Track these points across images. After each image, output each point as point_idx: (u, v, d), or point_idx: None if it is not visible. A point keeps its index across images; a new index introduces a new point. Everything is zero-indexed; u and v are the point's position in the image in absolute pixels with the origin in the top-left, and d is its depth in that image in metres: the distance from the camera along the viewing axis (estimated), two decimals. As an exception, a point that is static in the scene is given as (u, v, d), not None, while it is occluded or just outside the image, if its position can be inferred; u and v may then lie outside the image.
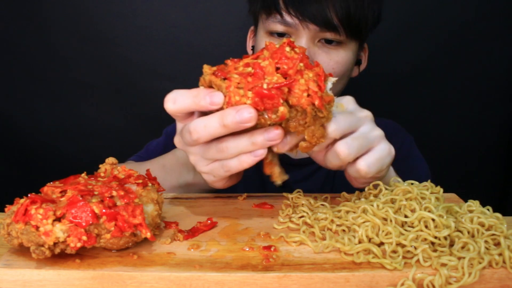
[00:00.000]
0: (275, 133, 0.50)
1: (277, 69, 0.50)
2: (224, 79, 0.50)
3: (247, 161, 0.52)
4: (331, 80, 0.53)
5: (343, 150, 0.54)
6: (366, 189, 0.63)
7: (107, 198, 0.49)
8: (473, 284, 0.46)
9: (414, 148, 1.06)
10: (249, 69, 0.50)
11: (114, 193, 0.50)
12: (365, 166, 0.56)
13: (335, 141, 0.55)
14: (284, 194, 0.67)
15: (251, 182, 0.99)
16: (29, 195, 0.50)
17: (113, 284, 0.46)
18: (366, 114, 0.58)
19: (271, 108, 0.48)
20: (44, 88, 1.39)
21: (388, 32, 1.26)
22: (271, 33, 0.87)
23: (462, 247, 0.50)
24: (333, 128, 0.53)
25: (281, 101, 0.48)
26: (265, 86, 0.48)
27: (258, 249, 0.51)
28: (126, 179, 0.54)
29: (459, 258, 0.48)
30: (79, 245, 0.46)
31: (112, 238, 0.48)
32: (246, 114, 0.48)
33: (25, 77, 1.38)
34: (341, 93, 0.93)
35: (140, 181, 0.54)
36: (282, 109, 0.48)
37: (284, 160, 1.00)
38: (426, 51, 1.38)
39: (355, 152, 0.55)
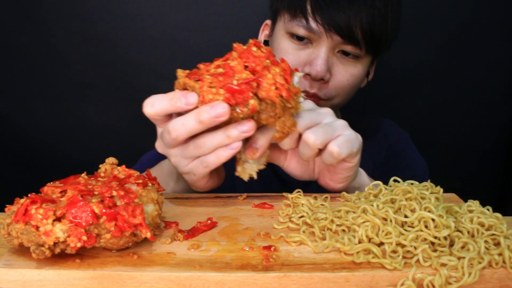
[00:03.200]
0: (248, 125, 0.54)
1: (246, 67, 0.54)
2: (197, 80, 0.54)
3: (224, 155, 0.56)
4: (298, 74, 0.58)
5: (310, 136, 0.59)
6: (366, 189, 0.63)
7: (107, 198, 0.49)
8: (473, 284, 0.46)
9: (410, 144, 1.07)
10: (220, 69, 0.54)
11: (114, 193, 0.50)
12: (335, 146, 0.60)
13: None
14: (284, 194, 0.67)
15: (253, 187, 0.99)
16: (29, 195, 0.50)
17: (113, 284, 0.46)
18: (327, 110, 0.64)
19: (242, 102, 0.52)
20: (44, 88, 1.38)
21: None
22: (292, 35, 0.87)
23: (462, 247, 0.50)
24: (298, 123, 0.58)
25: (251, 94, 0.52)
26: (235, 82, 0.52)
27: (258, 249, 0.51)
28: (126, 179, 0.54)
29: (459, 258, 0.48)
30: (79, 245, 0.46)
31: (112, 238, 0.48)
32: (220, 109, 0.52)
33: (25, 77, 1.37)
34: (350, 101, 0.95)
35: (140, 181, 0.54)
36: (253, 102, 0.52)
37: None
38: (426, 51, 1.38)
39: (322, 137, 0.59)
